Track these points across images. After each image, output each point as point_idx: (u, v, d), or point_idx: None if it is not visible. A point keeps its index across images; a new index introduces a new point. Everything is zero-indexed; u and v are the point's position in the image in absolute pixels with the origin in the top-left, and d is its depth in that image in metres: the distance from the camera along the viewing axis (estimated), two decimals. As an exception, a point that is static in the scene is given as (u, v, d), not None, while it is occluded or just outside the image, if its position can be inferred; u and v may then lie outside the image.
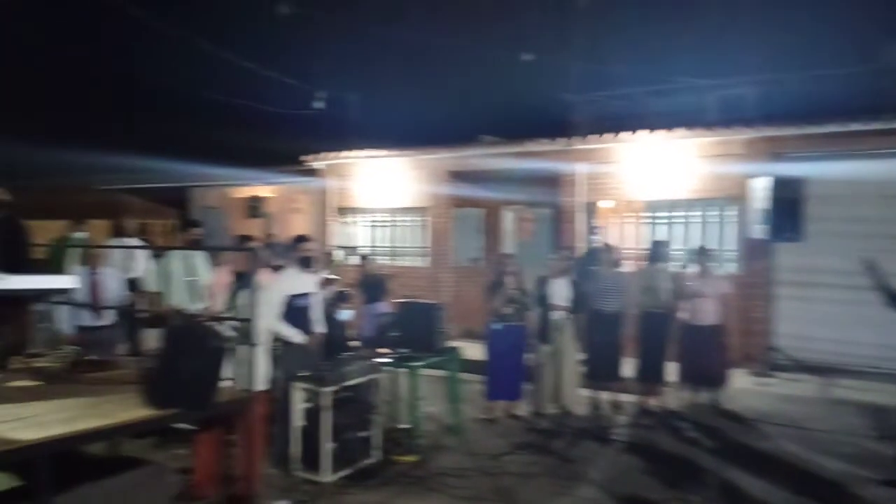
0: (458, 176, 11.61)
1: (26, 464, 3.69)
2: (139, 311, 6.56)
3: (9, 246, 5.02)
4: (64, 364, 4.80)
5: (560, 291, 6.76)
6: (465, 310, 10.01)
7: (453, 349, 6.42)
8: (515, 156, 10.78)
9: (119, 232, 8.62)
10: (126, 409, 3.64)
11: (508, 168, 10.68)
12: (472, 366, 6.94)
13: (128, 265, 7.18)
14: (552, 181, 10.45)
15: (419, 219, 12.21)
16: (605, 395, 7.21)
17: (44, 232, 8.80)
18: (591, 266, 7.42)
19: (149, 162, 15.04)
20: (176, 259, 6.11)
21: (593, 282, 7.15)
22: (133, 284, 6.73)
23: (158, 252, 6.88)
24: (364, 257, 9.39)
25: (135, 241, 7.88)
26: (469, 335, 9.20)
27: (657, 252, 7.38)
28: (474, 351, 7.19)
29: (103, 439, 4.42)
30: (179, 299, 6.00)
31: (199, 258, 6.21)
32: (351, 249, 12.79)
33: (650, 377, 7.16)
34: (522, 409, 6.93)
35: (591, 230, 10.01)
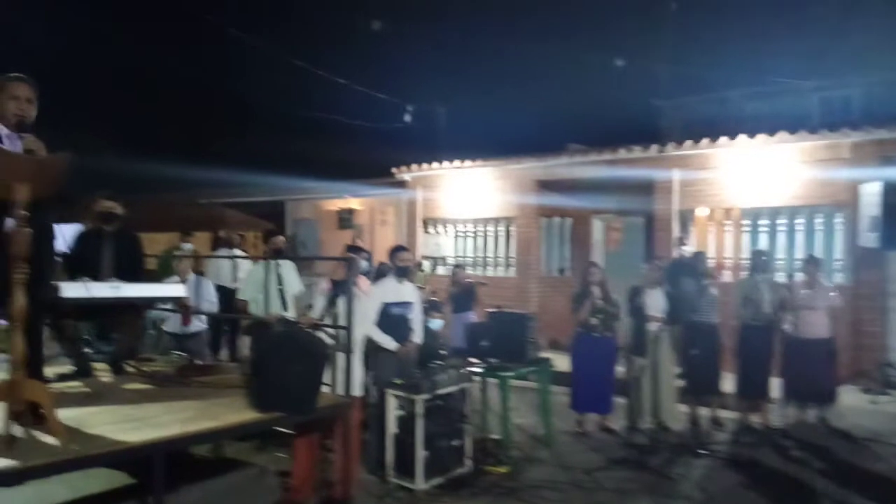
0: (546, 185, 11.50)
1: (139, 463, 3.91)
2: (239, 317, 6.83)
3: (123, 256, 5.32)
4: (173, 368, 5.06)
5: (655, 302, 6.55)
6: (551, 320, 9.88)
7: (544, 360, 6.34)
8: (604, 163, 10.57)
9: (223, 243, 9.06)
10: (233, 412, 3.79)
11: (597, 176, 10.49)
12: (560, 377, 6.83)
13: (232, 275, 7.54)
14: (643, 189, 10.17)
15: (506, 229, 12.17)
16: (703, 411, 6.92)
17: (153, 243, 9.35)
18: (687, 275, 7.15)
19: (247, 176, 15.74)
20: (267, 269, 6.30)
21: (690, 292, 6.89)
22: (234, 293, 7.04)
23: (256, 262, 7.15)
24: (457, 266, 9.43)
25: (238, 252, 8.26)
26: (556, 346, 9.07)
27: (758, 262, 7.04)
28: (562, 362, 7.07)
29: (212, 441, 4.62)
30: (272, 307, 6.20)
31: (288, 268, 6.39)
32: (438, 260, 12.91)
33: (752, 392, 6.82)
34: (616, 422, 6.74)
35: (687, 239, 9.66)
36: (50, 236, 3.54)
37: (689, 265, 7.30)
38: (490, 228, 12.43)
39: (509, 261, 12.10)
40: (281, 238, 6.80)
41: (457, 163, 12.56)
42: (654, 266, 6.93)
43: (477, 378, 5.90)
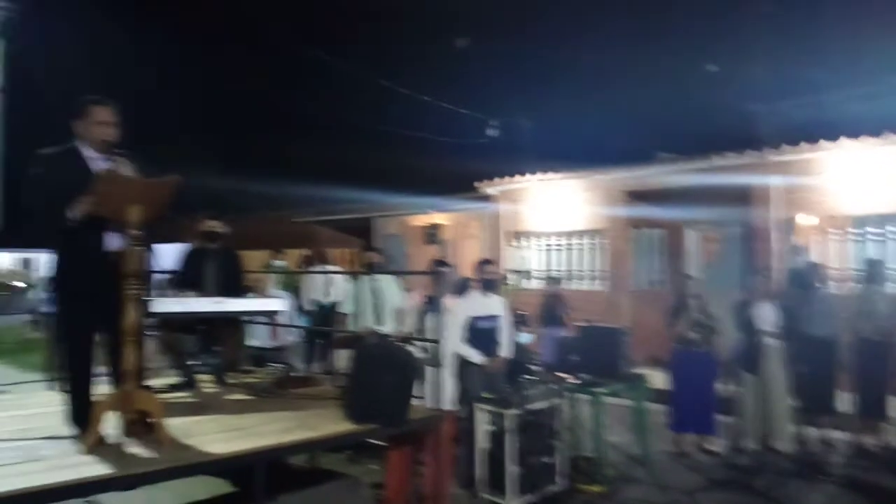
0: (636, 196, 11.21)
1: (240, 471, 4.05)
2: (331, 330, 6.99)
3: (226, 273, 5.59)
4: (272, 380, 5.24)
5: (764, 315, 6.22)
6: (645, 335, 9.54)
7: (639, 376, 6.14)
8: (698, 172, 10.19)
9: (318, 259, 9.35)
10: (329, 423, 3.87)
11: (689, 185, 10.13)
12: (655, 394, 6.59)
13: (327, 290, 7.77)
14: (741, 197, 9.73)
15: (595, 241, 11.93)
16: (814, 431, 6.49)
17: (248, 260, 9.76)
18: (798, 287, 6.76)
19: (336, 193, 16.21)
20: (364, 283, 6.44)
21: (802, 305, 6.50)
22: (331, 308, 7.23)
23: (352, 277, 7.31)
24: (551, 279, 9.33)
25: (333, 268, 8.51)
26: (651, 362, 8.76)
27: (874, 272, 6.57)
28: (657, 379, 6.82)
29: (309, 451, 4.74)
30: (368, 321, 6.32)
31: (386, 282, 6.50)
32: (525, 273, 12.81)
33: (869, 412, 6.34)
34: (717, 443, 6.43)
35: (795, 248, 9.13)
36: (148, 255, 3.74)
37: (804, 276, 6.89)
38: (577, 241, 12.22)
39: (598, 274, 11.85)
40: (373, 253, 6.93)
41: (542, 175, 12.46)
42: (763, 278, 6.60)
43: (568, 394, 5.77)
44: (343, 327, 6.54)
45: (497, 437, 4.99)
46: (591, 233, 11.93)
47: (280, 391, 4.83)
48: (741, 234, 10.37)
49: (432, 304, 5.26)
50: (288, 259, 10.95)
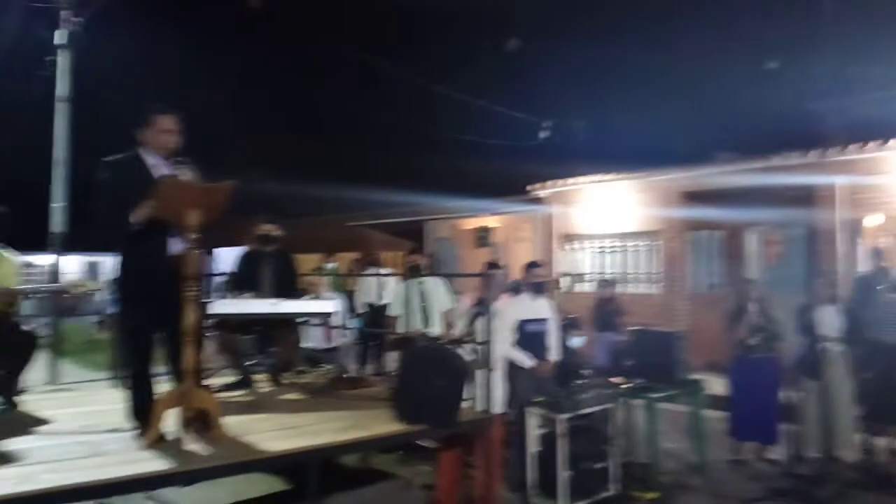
0: (693, 197, 10.95)
1: (294, 469, 4.13)
2: (383, 332, 7.05)
3: (281, 275, 5.71)
4: (325, 380, 5.33)
5: (829, 320, 5.98)
6: (702, 340, 9.30)
7: (696, 381, 6.00)
8: (759, 172, 9.88)
9: (370, 262, 9.47)
10: (380, 423, 3.91)
11: (751, 186, 9.83)
12: (713, 401, 6.41)
13: (379, 293, 7.85)
14: (804, 198, 9.40)
15: (650, 243, 11.71)
16: (882, 441, 6.21)
17: (301, 263, 9.95)
18: (866, 291, 6.48)
19: (389, 197, 16.38)
20: (412, 286, 6.46)
21: (870, 309, 6.23)
22: (383, 310, 7.30)
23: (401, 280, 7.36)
24: (604, 282, 9.20)
25: (385, 271, 8.60)
26: (708, 368, 8.54)
27: (946, 275, 6.24)
28: (715, 385, 6.64)
29: (361, 450, 4.79)
30: (416, 324, 6.34)
31: (434, 285, 6.51)
32: (577, 276, 12.67)
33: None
34: (778, 451, 6.22)
35: (875, 252, 8.75)
36: (208, 258, 3.86)
37: (870, 279, 6.60)
38: (632, 243, 12.02)
39: (654, 277, 11.62)
40: (418, 256, 6.96)
41: (595, 177, 12.30)
42: (826, 281, 6.35)
43: (622, 399, 5.68)
44: (392, 329, 6.59)
45: (548, 441, 4.96)
46: (646, 235, 11.71)
47: (333, 391, 4.90)
48: (804, 236, 10.02)
49: (482, 307, 5.25)
50: (339, 262, 11.12)
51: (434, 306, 6.33)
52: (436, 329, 6.17)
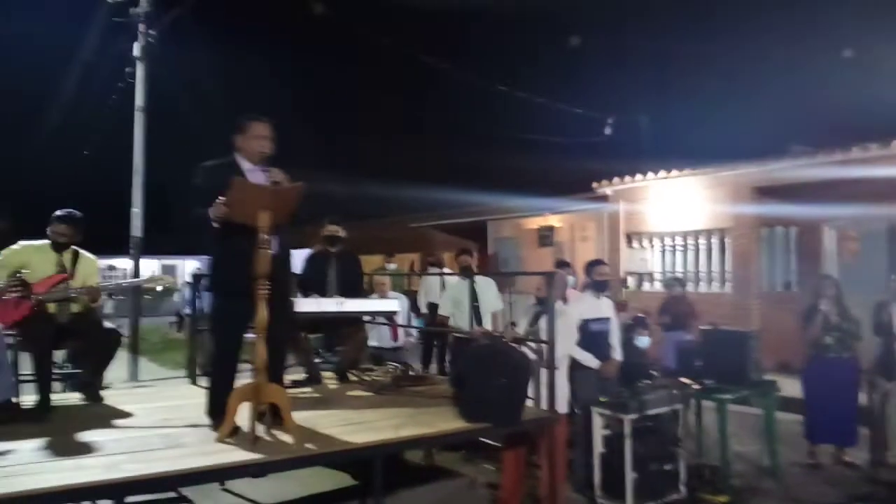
0: (765, 192, 10.58)
1: (361, 465, 4.21)
2: (446, 331, 7.09)
3: (346, 275, 5.83)
4: (390, 378, 5.41)
5: (905, 318, 5.69)
6: (775, 340, 8.97)
7: (769, 382, 5.80)
8: (837, 165, 9.44)
9: (433, 262, 9.56)
10: (443, 421, 3.95)
11: (828, 179, 9.42)
12: (788, 403, 6.18)
13: (440, 292, 7.91)
14: (885, 192, 8.93)
15: (719, 241, 11.37)
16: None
17: (364, 264, 10.13)
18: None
19: (451, 196, 16.45)
20: (463, 286, 6.47)
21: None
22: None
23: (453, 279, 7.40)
24: (672, 281, 9.01)
25: (445, 271, 8.67)
26: (780, 369, 8.25)
27: None
28: (789, 386, 6.39)
29: (425, 446, 4.85)
30: (466, 323, 6.34)
31: (485, 285, 6.51)
32: (644, 276, 12.42)
33: None
34: (856, 455, 5.94)
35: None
36: (289, 257, 3.99)
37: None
38: (702, 241, 11.69)
39: (724, 276, 11.28)
40: (467, 256, 6.98)
41: (662, 173, 12.02)
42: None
43: (691, 400, 5.55)
44: (445, 328, 6.64)
45: (614, 442, 4.89)
46: (716, 232, 11.37)
47: (397, 389, 4.97)
48: (884, 232, 9.53)
49: (544, 306, 5.23)
50: (399, 263, 11.25)
51: (484, 306, 6.34)
52: (488, 328, 6.19)
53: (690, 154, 11.93)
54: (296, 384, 5.13)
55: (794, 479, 5.62)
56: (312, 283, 5.64)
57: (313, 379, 5.34)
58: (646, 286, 12.34)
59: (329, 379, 5.50)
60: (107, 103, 11.81)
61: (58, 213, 4.58)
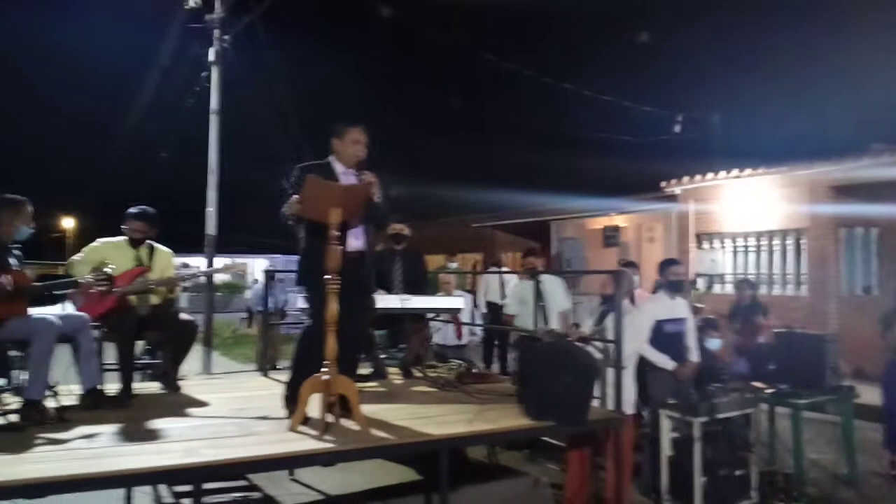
0: (843, 191, 10.13)
1: (425, 459, 4.25)
2: (509, 329, 7.10)
3: (411, 273, 5.91)
4: (453, 375, 5.45)
5: None
6: (853, 345, 8.58)
7: (847, 388, 5.56)
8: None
9: (494, 262, 9.58)
10: (507, 418, 3.95)
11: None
12: (867, 411, 5.90)
13: (502, 292, 7.93)
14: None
15: (795, 242, 10.94)
16: None
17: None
18: None
19: (513, 196, 16.39)
20: (530, 285, 6.45)
21: None
22: (501, 308, 7.37)
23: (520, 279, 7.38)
24: (744, 283, 8.75)
25: (506, 270, 8.67)
26: (859, 375, 7.87)
27: None
28: (867, 394, 6.10)
29: (489, 442, 4.86)
30: (532, 322, 6.32)
31: (552, 284, 6.47)
32: (714, 277, 12.09)
33: None
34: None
35: None
36: (373, 254, 4.08)
37: None
38: (776, 242, 11.29)
39: (800, 278, 10.85)
40: (533, 258, 6.96)
41: (734, 172, 11.67)
42: None
43: (764, 404, 5.37)
44: (511, 327, 6.64)
45: (683, 446, 4.78)
46: (790, 232, 10.96)
47: (461, 386, 5.00)
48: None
49: (611, 305, 5.16)
50: (461, 263, 11.28)
51: (552, 305, 6.30)
52: (553, 328, 6.15)
53: (763, 152, 11.54)
54: (362, 378, 5.22)
55: (873, 489, 5.38)
56: (379, 279, 5.73)
57: (379, 374, 5.44)
58: (716, 288, 12.00)
59: (394, 374, 5.58)
60: (183, 106, 12.30)
61: (132, 210, 4.81)
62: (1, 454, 3.03)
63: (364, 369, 5.52)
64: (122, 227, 4.80)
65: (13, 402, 3.91)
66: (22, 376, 4.03)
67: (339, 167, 3.89)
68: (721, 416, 4.82)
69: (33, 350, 3.76)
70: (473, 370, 5.84)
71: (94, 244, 4.76)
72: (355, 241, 3.80)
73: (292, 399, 3.79)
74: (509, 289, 8.01)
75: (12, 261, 3.98)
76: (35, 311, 3.97)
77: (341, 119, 3.93)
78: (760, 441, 5.27)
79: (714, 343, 6.35)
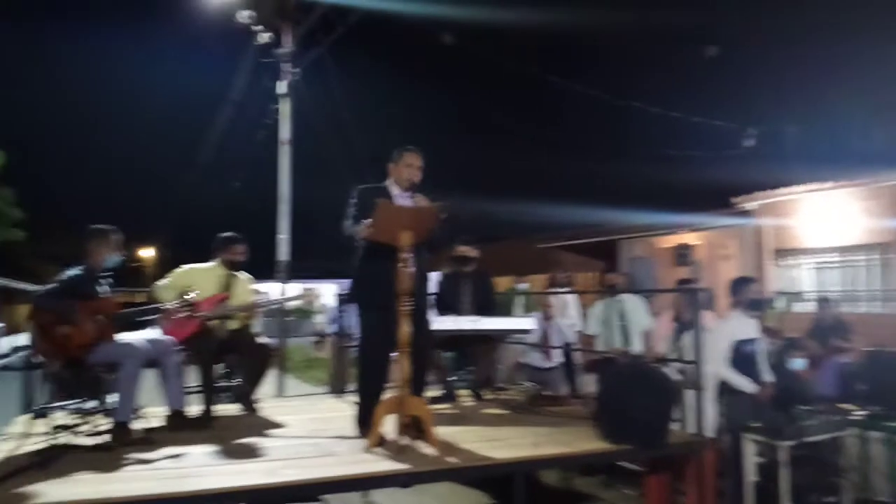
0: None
1: (499, 483, 4.20)
2: (587, 351, 6.97)
3: (480, 294, 5.90)
4: (525, 397, 5.39)
5: None
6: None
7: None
8: None
9: (557, 283, 9.44)
10: (582, 441, 3.87)
11: None
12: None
13: (566, 313, 7.78)
14: None
15: (879, 258, 10.39)
16: None
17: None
18: None
19: (580, 215, 16.20)
20: (611, 305, 6.34)
21: None
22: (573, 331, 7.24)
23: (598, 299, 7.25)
24: (825, 301, 8.37)
25: (564, 291, 8.51)
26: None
27: None
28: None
29: (564, 466, 4.78)
30: (614, 343, 6.20)
31: (633, 304, 6.35)
32: (793, 295, 11.58)
33: None
34: None
35: None
36: (426, 275, 4.13)
37: None
38: (859, 257, 10.75)
39: (885, 294, 10.28)
40: (614, 275, 6.84)
41: (812, 185, 11.21)
42: None
43: (854, 428, 5.08)
44: (591, 348, 6.51)
45: (768, 471, 4.57)
46: (876, 248, 10.42)
47: (533, 408, 4.94)
48: None
49: (685, 325, 5.01)
50: (531, 283, 11.17)
51: (634, 326, 6.17)
52: (635, 349, 6.01)
53: (843, 164, 11.04)
54: (433, 400, 5.23)
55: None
56: (447, 301, 5.76)
57: (449, 396, 5.43)
58: (796, 306, 11.49)
59: (464, 396, 5.56)
60: (254, 138, 12.78)
61: (232, 234, 5.03)
62: (92, 473, 3.18)
63: (434, 391, 5.53)
64: (219, 252, 5.00)
65: (103, 423, 4.09)
66: (111, 398, 4.23)
67: (394, 189, 4.03)
68: (809, 439, 4.59)
69: (122, 373, 3.93)
70: (545, 392, 5.77)
71: (178, 270, 4.97)
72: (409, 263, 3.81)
73: (362, 420, 3.87)
74: (571, 310, 7.88)
75: (102, 288, 4.20)
76: (123, 336, 4.17)
77: (399, 144, 4.07)
78: (852, 467, 4.98)
79: (797, 363, 6.09)
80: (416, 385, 3.66)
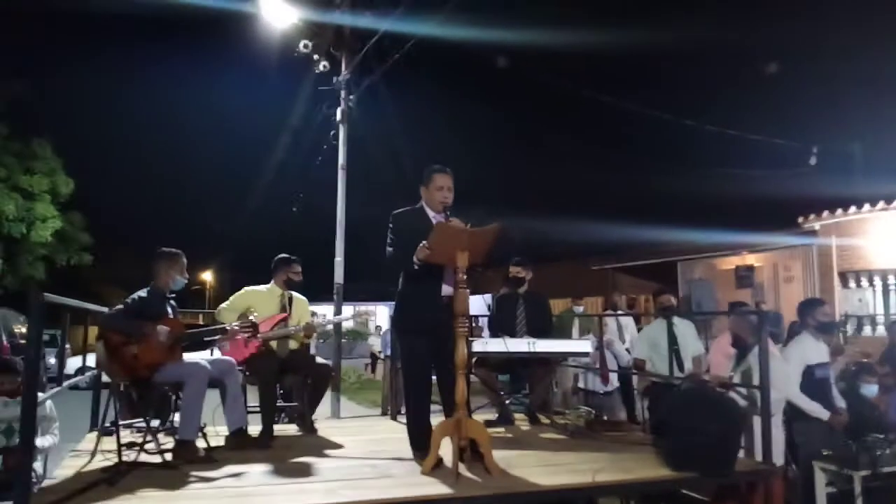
0: None
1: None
2: (646, 375, 6.81)
3: (534, 316, 5.85)
4: (582, 421, 5.29)
5: None
6: None
7: None
8: None
9: (609, 306, 9.30)
10: (643, 468, 3.77)
11: None
12: None
13: (623, 336, 7.64)
14: None
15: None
16: None
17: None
18: None
19: (635, 235, 15.93)
20: (662, 328, 6.18)
21: None
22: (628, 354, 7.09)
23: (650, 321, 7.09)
24: (894, 324, 7.98)
25: (622, 313, 8.36)
26: None
27: None
28: None
29: (625, 493, 4.65)
30: (665, 367, 6.02)
31: (684, 327, 6.18)
32: (863, 318, 11.09)
33: None
34: None
35: None
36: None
37: None
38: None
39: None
40: (668, 296, 6.68)
41: (882, 204, 10.76)
42: None
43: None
44: (641, 372, 6.36)
45: (841, 502, 4.35)
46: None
47: (591, 433, 4.84)
48: None
49: (745, 349, 4.85)
50: (587, 306, 10.99)
51: (685, 350, 6.00)
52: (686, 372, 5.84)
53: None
54: (488, 424, 5.18)
55: None
56: (502, 323, 5.73)
57: (505, 419, 5.37)
58: (866, 330, 10.99)
59: (520, 420, 5.50)
60: (312, 163, 13.07)
61: (288, 256, 5.16)
62: (158, 490, 3.27)
63: (489, 414, 5.48)
64: (277, 272, 5.13)
65: (168, 441, 4.21)
66: (176, 417, 4.35)
67: (429, 212, 4.00)
68: (885, 469, 4.36)
69: (187, 392, 4.04)
70: (603, 417, 5.65)
71: (240, 292, 5.10)
72: (447, 286, 3.81)
73: (415, 443, 3.88)
74: (628, 333, 7.72)
75: (169, 309, 4.34)
76: (188, 357, 4.29)
77: (428, 166, 4.05)
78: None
79: (870, 389, 5.80)
80: (452, 405, 3.61)
